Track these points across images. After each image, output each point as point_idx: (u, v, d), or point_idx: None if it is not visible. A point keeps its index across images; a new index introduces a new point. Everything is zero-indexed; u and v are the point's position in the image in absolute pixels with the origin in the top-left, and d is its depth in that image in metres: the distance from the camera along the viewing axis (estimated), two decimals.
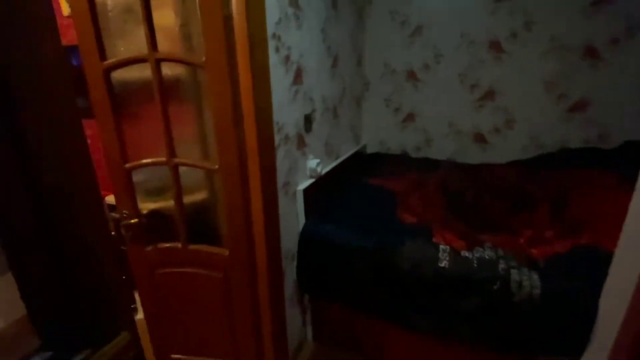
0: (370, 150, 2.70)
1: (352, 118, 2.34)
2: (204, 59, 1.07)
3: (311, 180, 1.60)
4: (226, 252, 1.33)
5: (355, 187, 1.94)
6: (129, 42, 1.16)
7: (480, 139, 2.35)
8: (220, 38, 1.04)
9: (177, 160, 1.23)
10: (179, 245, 1.36)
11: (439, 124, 2.45)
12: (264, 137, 1.19)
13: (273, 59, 1.20)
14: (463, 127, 2.37)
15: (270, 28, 1.16)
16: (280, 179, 1.35)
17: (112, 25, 1.14)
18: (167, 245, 1.38)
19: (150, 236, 1.39)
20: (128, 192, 1.31)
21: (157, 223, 1.42)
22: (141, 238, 1.38)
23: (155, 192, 1.43)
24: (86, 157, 0.60)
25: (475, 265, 1.26)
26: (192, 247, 1.36)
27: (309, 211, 1.56)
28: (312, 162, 1.60)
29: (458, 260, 1.29)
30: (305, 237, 1.53)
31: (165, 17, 1.14)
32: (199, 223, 1.41)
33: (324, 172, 1.72)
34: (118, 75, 1.18)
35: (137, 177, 1.33)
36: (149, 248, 1.38)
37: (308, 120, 1.55)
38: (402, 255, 1.35)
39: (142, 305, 1.51)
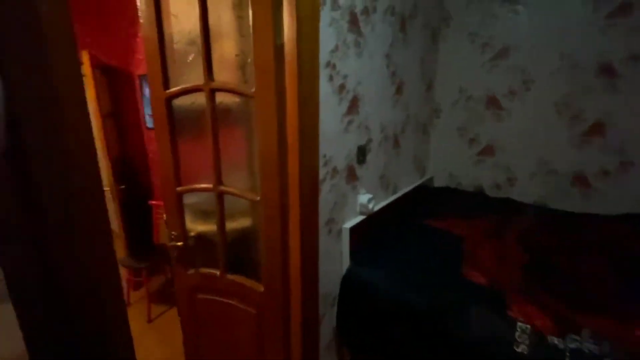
0: (437, 183, 2.42)
1: (417, 148, 2.12)
2: (253, 89, 1.05)
3: (361, 218, 1.45)
4: (261, 288, 1.25)
5: (414, 228, 1.71)
6: (191, 71, 1.22)
7: (581, 182, 1.89)
8: (269, 68, 1.00)
9: (222, 187, 1.22)
10: (218, 273, 1.33)
11: (525, 160, 2.06)
12: (306, 170, 1.10)
13: (325, 88, 1.12)
14: (558, 166, 1.95)
15: (324, 56, 1.09)
16: (324, 214, 1.23)
17: (177, 56, 1.20)
18: (208, 271, 1.36)
19: (194, 259, 1.41)
20: (178, 214, 1.34)
21: (202, 247, 1.43)
22: (185, 260, 1.39)
23: (205, 215, 1.45)
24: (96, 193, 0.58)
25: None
26: (230, 276, 1.32)
27: (355, 252, 1.40)
28: (363, 197, 1.45)
29: (542, 348, 0.98)
30: (348, 282, 1.37)
31: (226, 48, 1.17)
32: (240, 252, 1.37)
33: (376, 208, 1.55)
34: (179, 102, 1.24)
35: (191, 198, 1.37)
36: (191, 271, 1.39)
37: (362, 151, 1.42)
38: (464, 325, 1.09)
39: (182, 327, 1.52)
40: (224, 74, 1.15)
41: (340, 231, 1.36)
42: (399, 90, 1.70)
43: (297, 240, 1.15)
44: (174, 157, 1.27)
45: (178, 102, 1.24)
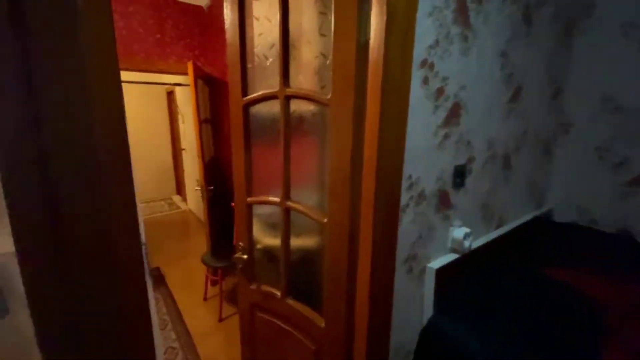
0: (559, 218, 1.88)
1: (534, 171, 1.67)
2: (329, 95, 0.90)
3: (452, 257, 1.15)
4: (322, 324, 1.08)
5: (525, 276, 1.30)
6: (269, 76, 1.14)
7: None
8: (349, 70, 0.84)
9: (289, 203, 1.11)
10: (279, 294, 1.22)
11: None
12: (384, 193, 0.89)
13: (417, 92, 0.90)
14: None
15: (419, 54, 0.88)
16: (404, 249, 1.00)
17: (257, 61, 1.15)
18: (269, 290, 1.26)
19: (257, 274, 1.33)
20: (246, 225, 1.28)
21: (267, 262, 1.35)
22: (249, 274, 1.33)
23: (273, 228, 1.36)
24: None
25: None
26: (290, 301, 1.19)
27: (441, 300, 1.11)
28: (458, 231, 1.15)
29: None
30: (429, 336, 1.09)
31: (306, 50, 1.06)
32: (304, 274, 1.23)
33: (474, 246, 1.22)
34: (256, 109, 1.19)
35: (262, 208, 1.30)
36: (254, 286, 1.32)
37: (460, 173, 1.13)
38: None
39: (241, 339, 1.46)
40: (300, 79, 1.04)
41: (423, 271, 1.09)
42: (515, 97, 1.34)
43: (366, 277, 0.95)
44: (246, 167, 1.22)
45: (255, 109, 1.19)
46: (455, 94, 1.03)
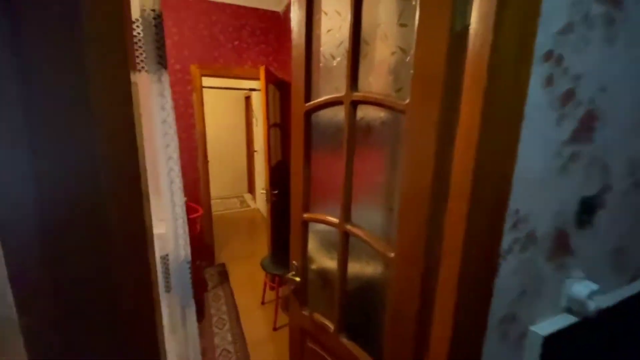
0: None
1: None
2: (407, 100, 0.71)
3: (567, 319, 0.84)
4: None
5: None
6: (335, 79, 1.00)
7: None
8: (436, 68, 0.64)
9: (349, 227, 0.94)
10: (332, 328, 1.06)
11: None
12: (477, 233, 0.66)
13: (537, 97, 0.65)
14: None
15: (542, 43, 0.63)
16: (500, 306, 0.74)
17: (324, 62, 1.01)
18: (322, 320, 1.12)
19: (310, 298, 1.20)
20: (300, 243, 1.16)
21: (321, 286, 1.21)
22: (301, 297, 1.20)
23: (330, 247, 1.22)
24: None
25: None
26: (344, 340, 1.02)
27: None
28: (579, 286, 0.83)
29: None
30: None
31: (380, 45, 0.88)
32: (362, 310, 1.06)
33: (603, 305, 0.88)
34: (319, 116, 1.05)
35: (320, 224, 1.17)
36: (306, 312, 1.18)
37: (588, 206, 0.82)
38: None
39: None
40: (370, 81, 0.87)
41: (524, 336, 0.81)
42: None
43: (444, 338, 0.72)
44: (305, 179, 1.10)
45: (317, 116, 1.06)
46: (590, 99, 0.74)
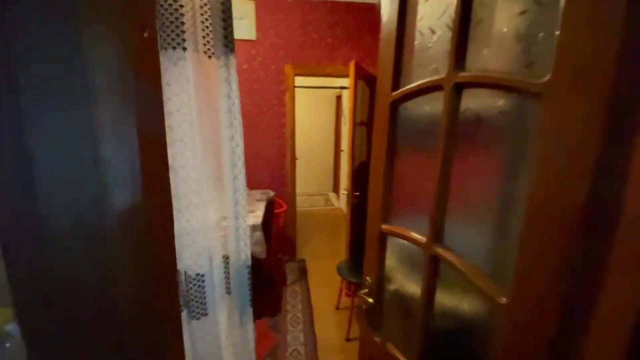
0: None
1: None
2: (547, 77, 0.47)
3: None
4: None
5: None
6: (432, 62, 0.79)
7: None
8: (602, 21, 0.39)
9: (439, 249, 0.73)
10: None
11: None
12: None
13: None
14: None
15: None
16: None
17: (419, 44, 0.81)
18: (396, 354, 0.93)
19: (384, 323, 1.02)
20: (377, 258, 0.99)
21: (398, 311, 1.01)
22: (374, 321, 1.03)
23: (412, 265, 1.01)
24: None
25: None
26: None
27: None
28: None
29: None
30: None
31: (503, 10, 0.65)
32: (451, 351, 0.83)
33: None
34: (408, 108, 0.86)
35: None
36: (377, 339, 1.01)
37: None
38: None
39: None
40: (485, 54, 0.64)
41: None
42: None
43: None
44: (386, 184, 0.92)
45: (406, 108, 0.87)
46: None
